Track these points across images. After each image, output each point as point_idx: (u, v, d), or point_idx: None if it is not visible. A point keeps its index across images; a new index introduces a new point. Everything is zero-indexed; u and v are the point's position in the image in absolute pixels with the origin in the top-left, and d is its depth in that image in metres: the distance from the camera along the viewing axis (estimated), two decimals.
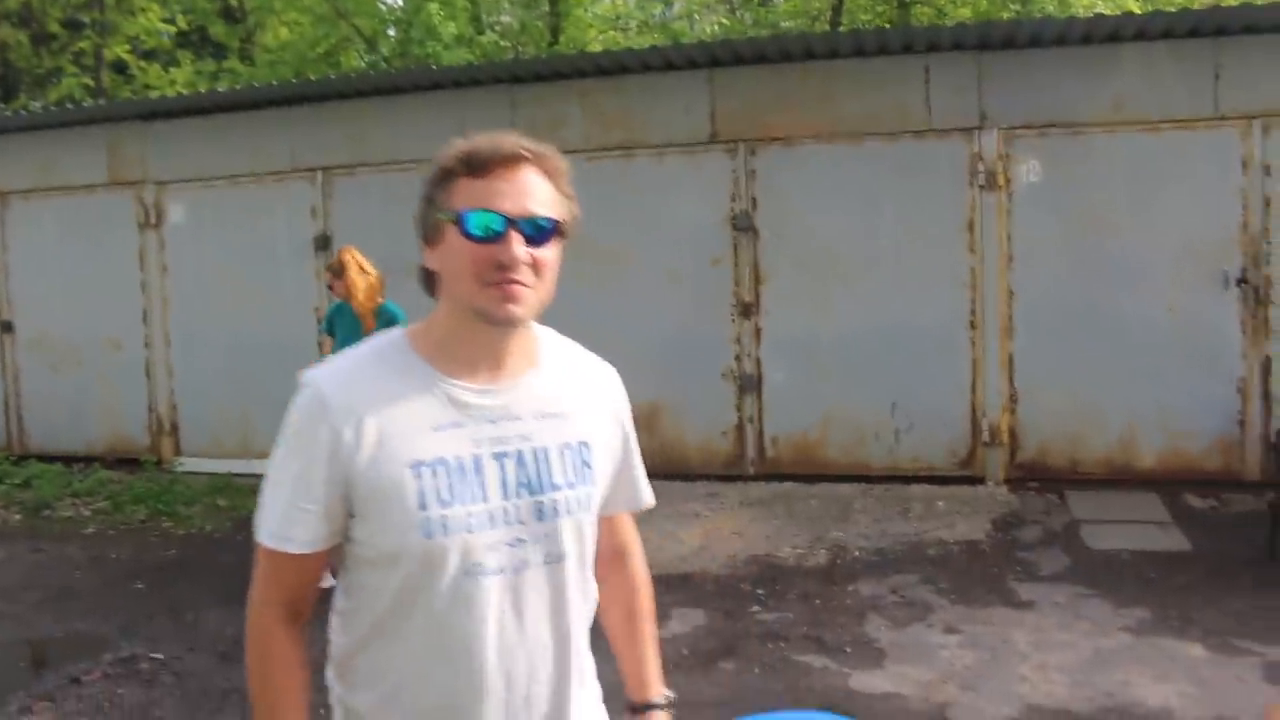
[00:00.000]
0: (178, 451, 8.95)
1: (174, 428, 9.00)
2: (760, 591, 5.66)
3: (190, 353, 8.86)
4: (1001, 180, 7.09)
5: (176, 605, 5.73)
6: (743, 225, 7.54)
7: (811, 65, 7.36)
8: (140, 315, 9.01)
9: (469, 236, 1.56)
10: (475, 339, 1.63)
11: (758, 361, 7.62)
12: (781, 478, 7.57)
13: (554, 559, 1.66)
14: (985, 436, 7.25)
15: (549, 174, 1.62)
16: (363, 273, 6.00)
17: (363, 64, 15.51)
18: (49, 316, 9.33)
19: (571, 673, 1.71)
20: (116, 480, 8.56)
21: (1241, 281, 6.83)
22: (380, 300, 6.04)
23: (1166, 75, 6.84)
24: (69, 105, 12.33)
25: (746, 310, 7.59)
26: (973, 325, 7.24)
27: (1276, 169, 6.75)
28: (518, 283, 1.57)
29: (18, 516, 7.92)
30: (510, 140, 1.60)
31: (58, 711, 4.57)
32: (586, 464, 1.70)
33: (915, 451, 7.40)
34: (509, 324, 1.60)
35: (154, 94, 15.97)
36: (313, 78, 8.24)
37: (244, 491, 7.87)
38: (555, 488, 1.66)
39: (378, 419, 1.58)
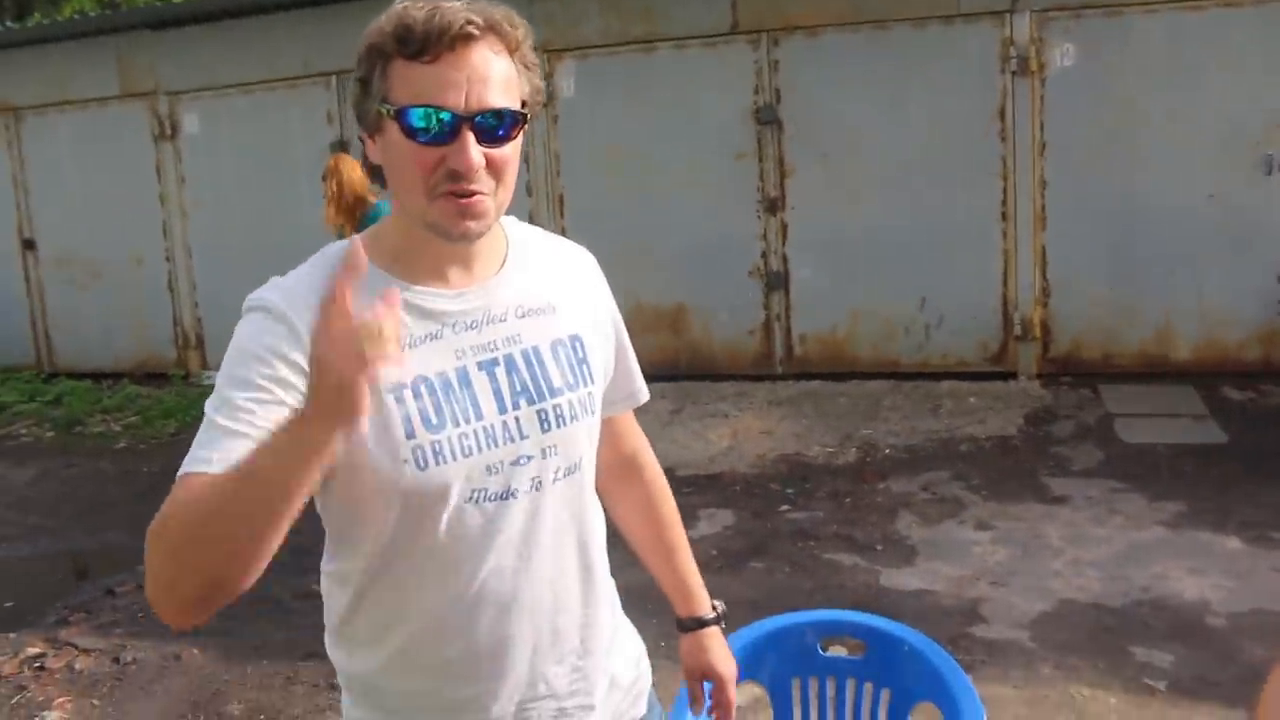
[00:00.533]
0: (204, 365, 8.97)
1: (200, 340, 9.01)
2: (790, 490, 5.63)
3: (212, 265, 8.82)
4: (1034, 66, 6.83)
5: None
6: (767, 118, 7.33)
7: None
8: (160, 229, 8.97)
9: (413, 138, 1.31)
10: (433, 247, 1.40)
11: (784, 259, 7.49)
12: (810, 376, 7.50)
13: (566, 472, 1.47)
14: (1017, 330, 7.12)
15: (507, 46, 1.35)
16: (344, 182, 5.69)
17: None
18: (70, 233, 9.29)
19: (600, 598, 1.56)
20: (145, 395, 8.62)
21: None
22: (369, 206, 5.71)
23: None
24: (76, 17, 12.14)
25: (772, 206, 7.43)
26: (1004, 217, 7.06)
27: None
28: (475, 193, 1.33)
29: (50, 433, 7.99)
30: (452, 9, 1.30)
31: (93, 622, 4.63)
32: (583, 360, 1.51)
33: (945, 347, 7.29)
34: (466, 240, 1.38)
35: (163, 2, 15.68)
36: None
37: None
38: (556, 391, 1.46)
39: None
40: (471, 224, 1.35)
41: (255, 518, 1.16)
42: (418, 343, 1.38)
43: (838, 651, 2.44)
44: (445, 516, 1.38)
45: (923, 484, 5.56)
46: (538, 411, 1.44)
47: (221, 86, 8.54)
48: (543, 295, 1.50)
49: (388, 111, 1.33)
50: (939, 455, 5.97)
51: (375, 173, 1.42)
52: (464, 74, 1.30)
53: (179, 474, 1.28)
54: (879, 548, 4.83)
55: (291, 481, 1.15)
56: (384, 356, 1.10)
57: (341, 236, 5.84)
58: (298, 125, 8.37)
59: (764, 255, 7.50)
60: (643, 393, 1.72)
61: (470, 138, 1.31)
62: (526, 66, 1.38)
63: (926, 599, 4.28)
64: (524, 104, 1.37)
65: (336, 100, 8.22)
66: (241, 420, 1.27)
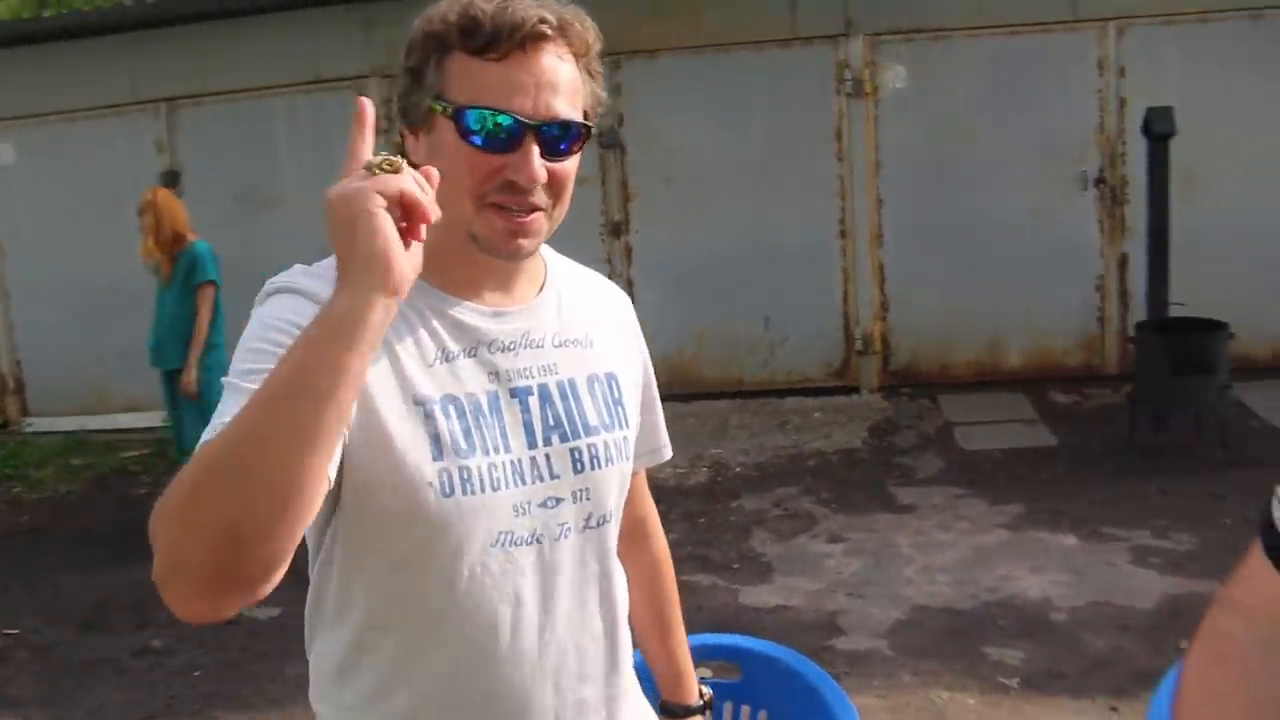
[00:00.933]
0: (25, 411, 8.42)
1: (20, 385, 8.45)
2: None
3: (32, 304, 8.28)
4: (868, 88, 7.06)
5: (31, 575, 5.39)
6: (609, 142, 7.36)
7: None
8: None
9: (470, 141, 1.18)
10: (472, 259, 1.26)
11: (629, 281, 7.50)
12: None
13: (598, 521, 1.32)
14: (859, 345, 7.31)
15: (575, 51, 1.23)
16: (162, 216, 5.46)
17: None
18: None
19: (625, 671, 1.40)
20: None
21: (1099, 182, 6.98)
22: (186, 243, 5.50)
23: None
24: None
25: (616, 229, 7.46)
26: (843, 235, 7.25)
27: (1130, 70, 6.87)
28: (532, 207, 1.21)
29: None
30: (524, 5, 1.18)
31: None
32: (619, 401, 1.37)
33: (790, 364, 7.43)
34: (514, 259, 1.26)
35: None
36: (151, 1, 7.67)
37: (100, 448, 7.49)
38: (591, 430, 1.31)
39: None
40: (524, 242, 1.23)
41: (283, 439, 0.97)
42: (451, 358, 1.25)
43: (703, 673, 2.42)
44: (466, 558, 1.23)
45: (774, 500, 5.63)
46: (571, 450, 1.29)
47: (41, 114, 8.05)
48: (581, 327, 1.37)
49: (444, 109, 1.20)
50: (788, 471, 6.07)
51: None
52: (533, 77, 1.19)
53: (195, 450, 1.09)
54: (736, 566, 4.86)
55: (328, 379, 0.97)
56: (402, 191, 1.00)
57: (158, 272, 5.59)
58: (125, 155, 7.95)
59: (609, 278, 7.48)
60: (667, 449, 1.58)
61: (535, 148, 1.19)
62: (592, 74, 1.26)
63: (786, 615, 4.33)
64: (586, 115, 1.25)
65: (166, 128, 7.87)
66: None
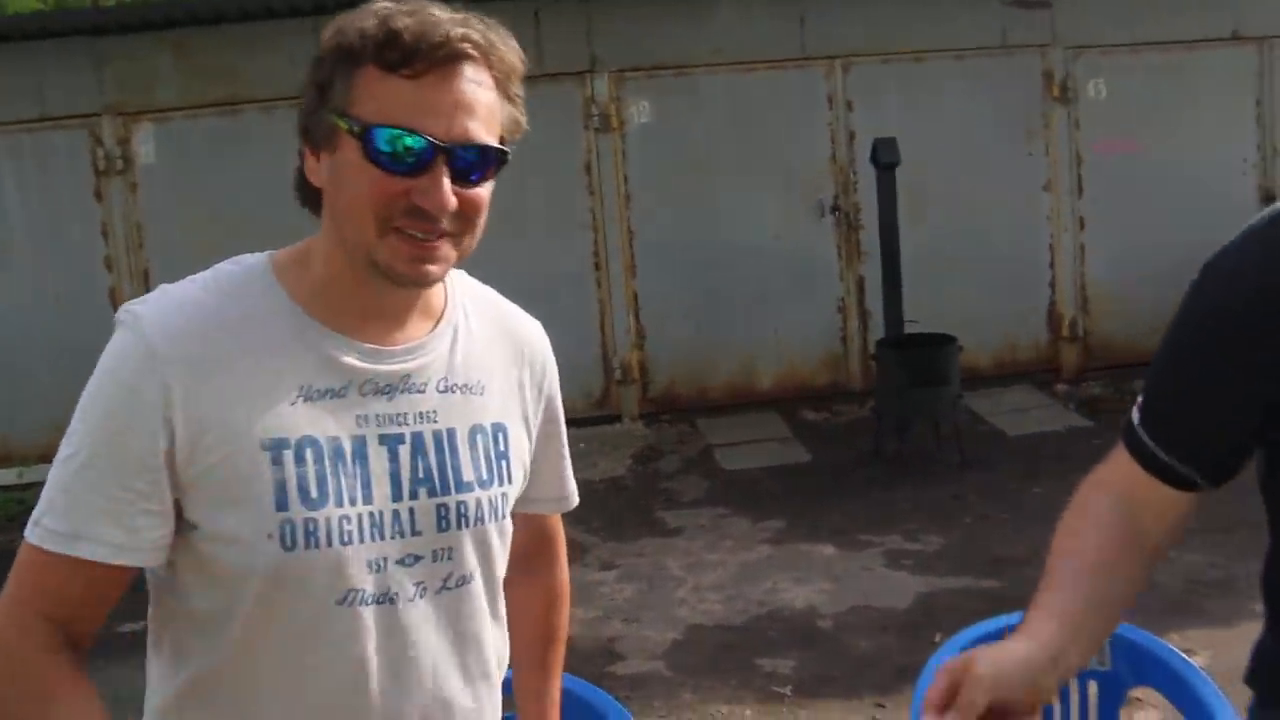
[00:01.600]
0: None
1: None
2: None
3: None
4: (615, 122, 7.21)
5: None
6: None
7: None
8: None
9: (377, 163, 1.10)
10: (367, 289, 1.18)
11: None
12: None
13: (459, 582, 1.25)
14: (618, 375, 7.41)
15: (497, 75, 1.16)
16: None
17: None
18: None
19: None
20: None
21: (835, 209, 7.38)
22: None
23: (759, 19, 7.21)
24: None
25: None
26: (597, 266, 7.36)
27: (857, 104, 7.32)
28: (440, 234, 1.13)
29: None
30: (447, 19, 1.11)
31: None
32: (503, 455, 1.29)
33: None
34: (417, 287, 1.19)
35: None
36: None
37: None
38: (465, 486, 1.24)
39: (228, 377, 1.12)
40: (430, 268, 1.15)
41: None
42: (315, 397, 1.16)
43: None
44: (306, 616, 1.15)
45: None
46: (437, 505, 1.22)
47: None
48: (473, 371, 1.28)
49: (349, 127, 1.11)
50: None
51: (307, 196, 1.21)
52: (449, 98, 1.11)
53: (27, 532, 1.12)
54: None
55: None
56: None
57: None
58: None
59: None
60: (573, 498, 1.52)
61: (445, 173, 1.11)
62: (511, 99, 1.19)
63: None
64: (503, 140, 1.18)
65: None
66: (103, 497, 1.11)
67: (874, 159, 6.50)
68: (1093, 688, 2.11)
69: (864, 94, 7.32)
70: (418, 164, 1.11)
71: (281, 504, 1.13)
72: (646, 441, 7.01)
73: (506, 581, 1.47)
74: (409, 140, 1.11)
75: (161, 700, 1.23)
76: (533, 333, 1.43)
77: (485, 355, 1.31)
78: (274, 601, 1.15)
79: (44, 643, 1.14)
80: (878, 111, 7.22)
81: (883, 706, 3.64)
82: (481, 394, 1.29)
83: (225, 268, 1.22)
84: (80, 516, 1.11)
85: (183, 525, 1.15)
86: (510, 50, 1.18)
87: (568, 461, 1.50)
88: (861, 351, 7.44)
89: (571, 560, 4.87)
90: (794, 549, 5.07)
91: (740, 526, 5.42)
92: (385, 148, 1.11)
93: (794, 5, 7.20)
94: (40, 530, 1.12)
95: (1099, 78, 7.41)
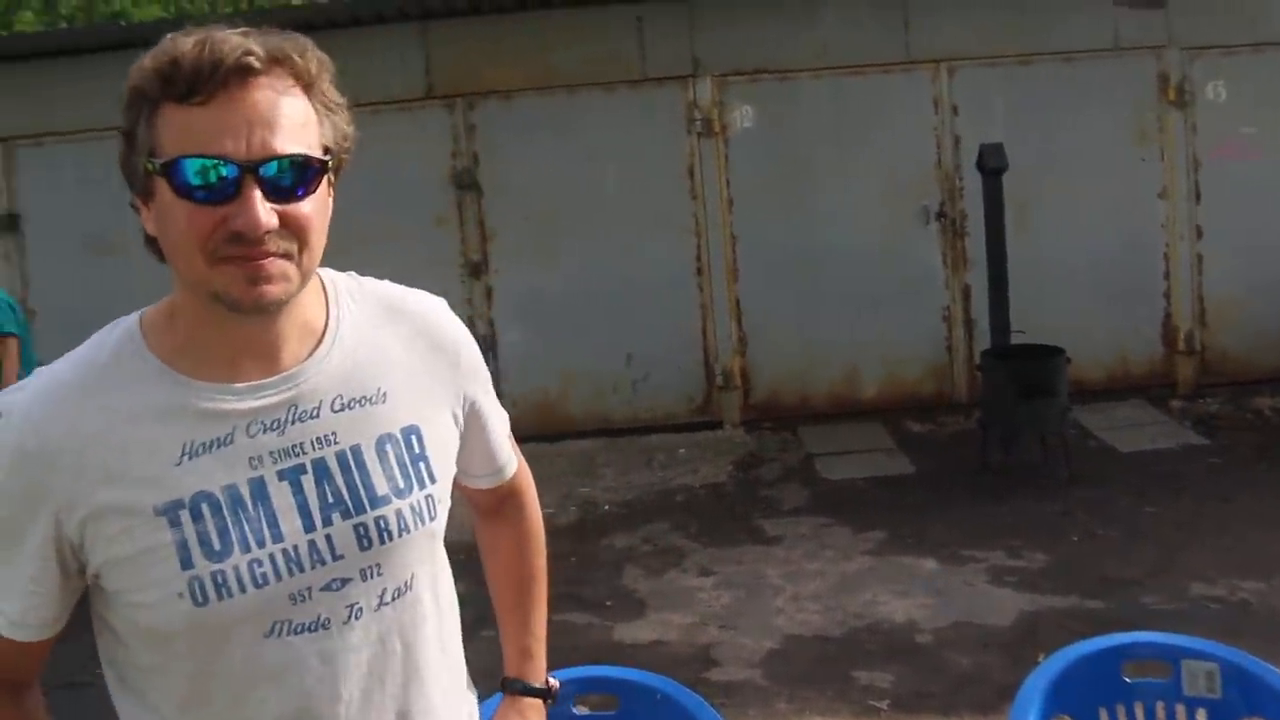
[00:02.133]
0: None
1: None
2: None
3: None
4: (717, 126, 7.21)
5: None
6: (466, 182, 7.32)
7: (525, 16, 7.19)
8: None
9: (187, 196, 1.08)
10: (227, 332, 1.17)
11: (491, 322, 7.47)
12: (525, 439, 7.41)
13: (395, 594, 1.24)
14: (719, 381, 7.41)
15: (300, 82, 1.13)
16: None
17: (39, 25, 14.05)
18: None
19: None
20: None
21: (940, 216, 7.27)
22: None
23: (863, 22, 7.15)
24: None
25: (475, 270, 7.41)
26: (699, 271, 7.36)
27: (963, 109, 7.20)
28: (266, 254, 1.10)
29: None
30: (231, 41, 1.08)
31: None
32: (420, 457, 1.27)
33: (653, 401, 7.48)
34: (261, 311, 1.14)
35: None
36: None
37: None
38: (380, 501, 1.22)
39: (105, 454, 1.13)
40: (267, 288, 1.11)
41: None
42: (200, 451, 1.16)
43: (581, 709, 2.40)
44: (239, 655, 1.17)
45: (644, 536, 5.64)
46: (355, 526, 1.20)
47: None
48: (370, 379, 1.25)
49: (154, 166, 1.10)
50: (656, 507, 6.09)
51: (152, 247, 1.18)
52: (244, 116, 1.08)
53: None
54: (608, 604, 4.85)
55: None
56: None
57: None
58: None
59: (470, 320, 7.44)
60: (509, 466, 1.52)
61: (256, 193, 1.08)
62: (328, 106, 1.16)
63: (660, 650, 4.33)
64: (327, 150, 1.15)
65: (2, 169, 7.48)
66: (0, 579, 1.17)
67: (980, 164, 6.39)
68: (1201, 716, 2.05)
69: (970, 98, 7.19)
70: (225, 189, 1.08)
71: (186, 563, 1.13)
72: (747, 448, 6.99)
73: (477, 531, 1.54)
74: (208, 165, 1.08)
75: None
76: (435, 313, 1.37)
77: (380, 358, 1.27)
78: (204, 651, 1.16)
79: None
80: (984, 116, 7.09)
81: None
82: (383, 402, 1.25)
83: (97, 337, 1.22)
84: None
85: (103, 593, 1.18)
86: (309, 57, 1.14)
87: (499, 430, 1.48)
88: (967, 361, 7.30)
89: (670, 566, 4.92)
90: (895, 561, 5.01)
91: (841, 537, 5.37)
92: (190, 180, 1.08)
93: (898, 8, 7.12)
94: None
95: (1218, 80, 7.15)
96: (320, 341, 1.24)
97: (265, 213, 1.08)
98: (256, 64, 1.08)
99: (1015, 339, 6.31)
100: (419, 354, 1.31)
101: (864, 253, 7.24)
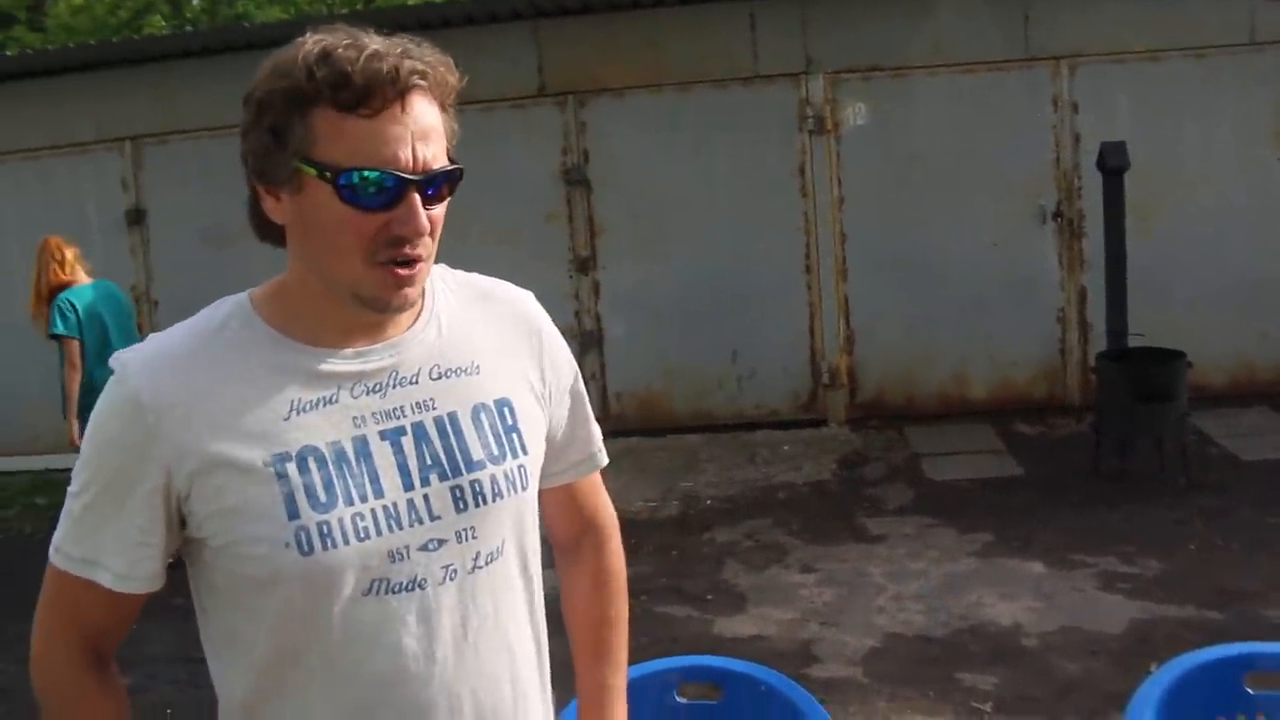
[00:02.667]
0: None
1: None
2: None
3: None
4: (829, 124, 7.17)
5: None
6: (576, 179, 7.42)
7: (637, 14, 7.26)
8: None
9: (354, 204, 1.15)
10: (345, 312, 1.24)
11: (598, 317, 7.55)
12: (628, 433, 7.53)
13: (489, 559, 1.28)
14: (825, 379, 7.37)
15: (440, 97, 1.21)
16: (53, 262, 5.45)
17: (166, 29, 14.65)
18: None
19: (530, 712, 1.36)
20: None
21: (1057, 215, 7.11)
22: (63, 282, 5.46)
23: (980, 18, 7.03)
24: None
25: (584, 265, 7.50)
26: (808, 269, 7.33)
27: (1083, 107, 7.03)
28: (419, 259, 1.19)
29: None
30: (393, 54, 1.15)
31: None
32: (512, 428, 1.31)
33: (758, 398, 7.47)
34: (401, 311, 1.24)
35: None
36: (115, 40, 7.67)
37: (65, 488, 7.37)
38: (476, 465, 1.27)
39: (215, 409, 1.19)
40: (409, 292, 1.22)
41: None
42: (307, 409, 1.22)
43: (685, 695, 2.43)
44: (338, 611, 1.20)
45: (745, 532, 5.65)
46: (452, 488, 1.25)
47: (3, 153, 7.98)
48: (464, 353, 1.32)
49: (320, 173, 1.16)
50: (759, 503, 6.09)
51: (267, 232, 1.27)
52: (407, 129, 1.16)
53: (51, 557, 1.25)
54: (709, 597, 4.87)
55: None
56: None
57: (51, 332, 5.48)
58: (90, 194, 7.86)
59: (577, 314, 7.54)
60: (601, 456, 1.52)
61: (418, 201, 1.17)
62: (448, 112, 1.23)
63: (761, 644, 4.34)
64: (448, 153, 1.23)
65: (132, 166, 7.82)
66: (107, 534, 1.22)
67: (1100, 164, 6.23)
68: None
69: (1091, 95, 7.02)
70: (392, 197, 1.16)
71: (293, 513, 1.18)
72: (852, 447, 6.94)
73: (557, 569, 1.52)
74: (382, 179, 1.15)
75: (231, 703, 1.29)
76: (522, 302, 1.43)
77: (473, 336, 1.34)
78: (303, 603, 1.20)
79: (78, 660, 1.27)
80: (1106, 114, 6.91)
81: None
82: (477, 374, 1.31)
83: (207, 310, 1.29)
84: (90, 545, 1.22)
85: (206, 549, 1.23)
86: (449, 70, 1.21)
87: (590, 421, 1.50)
88: (1081, 364, 7.13)
89: (771, 562, 4.93)
90: (1001, 564, 4.93)
91: (946, 537, 5.30)
92: (361, 189, 1.15)
93: (1018, 3, 6.99)
94: (60, 555, 1.24)
95: None
96: (418, 317, 1.31)
97: (425, 219, 1.18)
98: (421, 81, 1.17)
99: (1133, 341, 6.15)
100: (506, 336, 1.37)
101: (977, 252, 7.13)
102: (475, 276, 1.43)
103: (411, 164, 1.16)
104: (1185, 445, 5.81)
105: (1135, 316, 6.18)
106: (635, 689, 2.21)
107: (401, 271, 1.19)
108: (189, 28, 14.05)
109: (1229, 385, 7.01)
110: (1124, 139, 6.22)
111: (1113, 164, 6.12)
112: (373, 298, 1.20)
